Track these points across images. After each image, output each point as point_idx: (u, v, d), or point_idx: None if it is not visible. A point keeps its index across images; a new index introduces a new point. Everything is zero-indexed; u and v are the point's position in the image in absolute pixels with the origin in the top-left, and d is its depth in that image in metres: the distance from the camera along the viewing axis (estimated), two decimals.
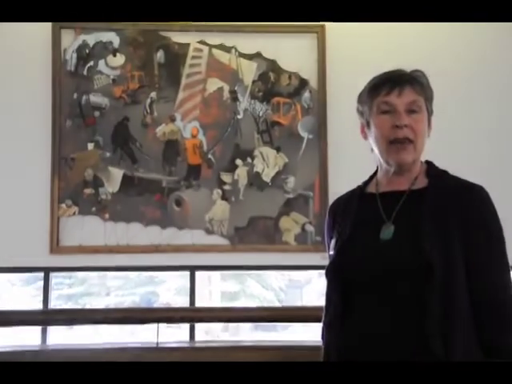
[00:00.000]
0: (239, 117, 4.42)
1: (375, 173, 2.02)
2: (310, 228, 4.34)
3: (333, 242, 1.97)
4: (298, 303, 4.34)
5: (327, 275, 1.91)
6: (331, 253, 1.95)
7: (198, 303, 4.28)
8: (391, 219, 1.87)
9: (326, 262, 1.95)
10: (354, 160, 3.62)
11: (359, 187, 2.03)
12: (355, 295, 1.84)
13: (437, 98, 1.98)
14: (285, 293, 4.45)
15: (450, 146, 3.96)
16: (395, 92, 1.88)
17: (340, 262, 1.89)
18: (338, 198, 2.08)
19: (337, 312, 1.86)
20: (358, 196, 1.99)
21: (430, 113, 1.94)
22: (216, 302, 4.36)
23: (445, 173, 1.95)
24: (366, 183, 2.03)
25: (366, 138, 1.98)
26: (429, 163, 1.98)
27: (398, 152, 1.87)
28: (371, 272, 1.82)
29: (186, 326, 4.14)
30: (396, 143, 1.87)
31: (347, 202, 2.01)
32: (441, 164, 1.98)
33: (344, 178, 2.87)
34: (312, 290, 4.29)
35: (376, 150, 1.93)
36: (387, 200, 1.91)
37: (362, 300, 1.83)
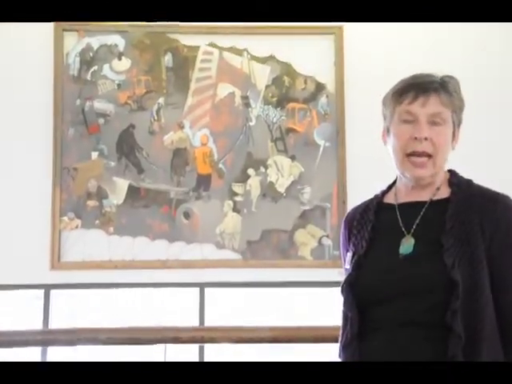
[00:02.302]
0: (252, 124, 4.43)
1: (394, 182, 2.01)
2: (327, 242, 4.34)
3: (349, 255, 1.95)
4: (316, 323, 4.31)
5: (342, 292, 1.89)
6: (347, 267, 1.94)
7: (208, 322, 4.28)
8: (411, 232, 1.86)
9: (343, 278, 1.94)
10: (373, 169, 3.62)
11: (377, 197, 2.02)
12: (373, 313, 1.83)
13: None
14: (301, 311, 4.44)
15: (472, 154, 3.96)
16: (419, 101, 1.86)
17: (356, 277, 1.87)
18: (355, 208, 2.06)
19: (353, 331, 1.85)
20: (376, 206, 1.98)
21: (456, 124, 1.91)
22: (227, 321, 4.35)
23: (469, 182, 1.93)
24: (384, 193, 2.02)
25: (385, 144, 1.97)
26: (452, 172, 1.96)
27: (414, 167, 1.86)
28: (389, 289, 1.80)
29: (194, 346, 4.14)
30: (413, 156, 1.85)
31: (364, 212, 1.99)
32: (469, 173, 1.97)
33: (363, 188, 2.84)
34: (330, 308, 4.27)
35: (393, 160, 1.92)
36: (407, 211, 1.90)
37: (380, 319, 1.81)
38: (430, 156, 1.85)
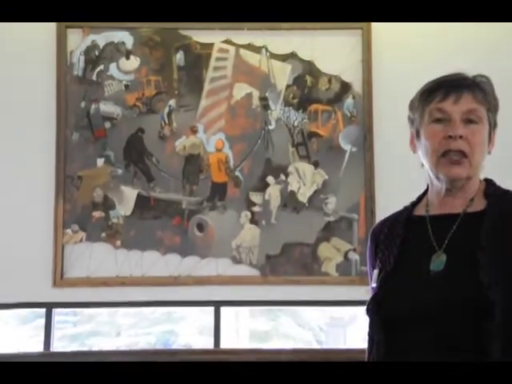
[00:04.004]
0: (271, 127, 4.42)
1: (425, 193, 2.02)
2: (354, 256, 4.32)
3: (375, 272, 1.96)
4: (341, 345, 4.31)
5: (368, 312, 1.91)
6: (374, 285, 1.95)
7: (224, 344, 4.27)
8: (443, 247, 1.86)
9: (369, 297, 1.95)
10: (404, 176, 3.61)
11: (406, 209, 2.03)
12: (400, 336, 1.83)
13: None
14: (325, 332, 4.43)
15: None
16: (451, 98, 1.88)
17: (383, 296, 1.88)
18: (382, 221, 2.08)
19: (380, 355, 1.86)
20: (405, 219, 1.99)
21: (492, 125, 1.93)
22: (244, 343, 4.35)
23: (507, 193, 1.94)
24: (414, 204, 2.03)
25: (415, 150, 1.99)
26: (488, 182, 1.98)
27: (449, 166, 1.87)
28: (420, 309, 1.81)
29: None
30: (448, 156, 1.86)
31: (392, 226, 2.00)
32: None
33: (393, 198, 2.87)
34: (357, 329, 4.27)
35: (425, 164, 1.93)
36: (439, 224, 1.90)
37: (409, 341, 1.81)
38: (465, 155, 1.86)
